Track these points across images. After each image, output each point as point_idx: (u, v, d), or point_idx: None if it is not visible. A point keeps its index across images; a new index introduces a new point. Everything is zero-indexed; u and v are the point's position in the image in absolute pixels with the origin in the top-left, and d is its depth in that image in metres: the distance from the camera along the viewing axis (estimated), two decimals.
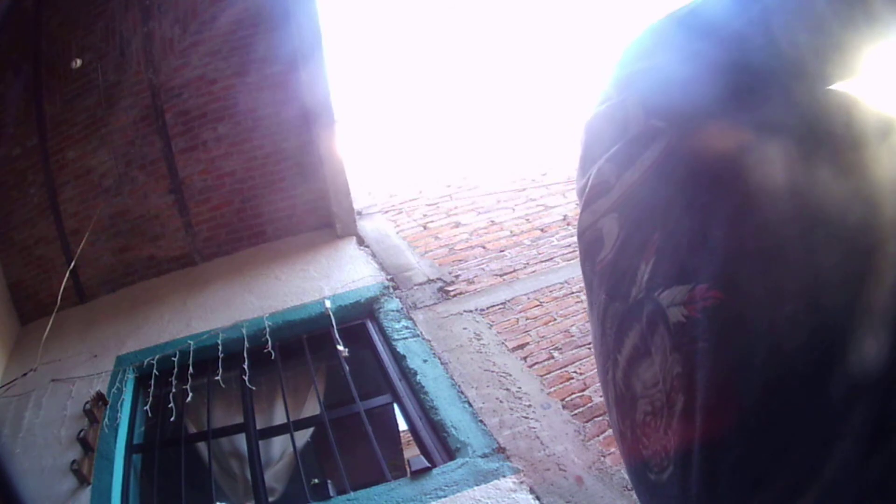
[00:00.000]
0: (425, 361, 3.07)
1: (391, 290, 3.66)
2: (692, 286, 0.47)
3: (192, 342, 3.42)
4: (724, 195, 0.48)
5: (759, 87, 0.49)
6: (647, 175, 0.55)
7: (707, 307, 0.45)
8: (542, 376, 2.93)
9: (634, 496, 0.55)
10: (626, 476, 0.56)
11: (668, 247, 0.51)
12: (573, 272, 3.60)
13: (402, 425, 3.58)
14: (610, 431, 2.36)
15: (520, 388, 2.86)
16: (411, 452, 3.21)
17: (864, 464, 0.35)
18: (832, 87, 0.48)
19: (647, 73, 0.60)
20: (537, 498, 2.32)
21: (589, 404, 2.76)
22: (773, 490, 0.38)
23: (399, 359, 3.16)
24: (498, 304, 3.45)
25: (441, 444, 2.65)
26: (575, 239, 0.69)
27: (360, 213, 4.44)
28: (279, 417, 3.30)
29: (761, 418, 0.40)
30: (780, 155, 0.46)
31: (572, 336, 3.17)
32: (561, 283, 3.56)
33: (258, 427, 3.11)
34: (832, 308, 0.39)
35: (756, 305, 0.43)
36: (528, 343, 3.15)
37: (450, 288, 3.62)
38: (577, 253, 0.66)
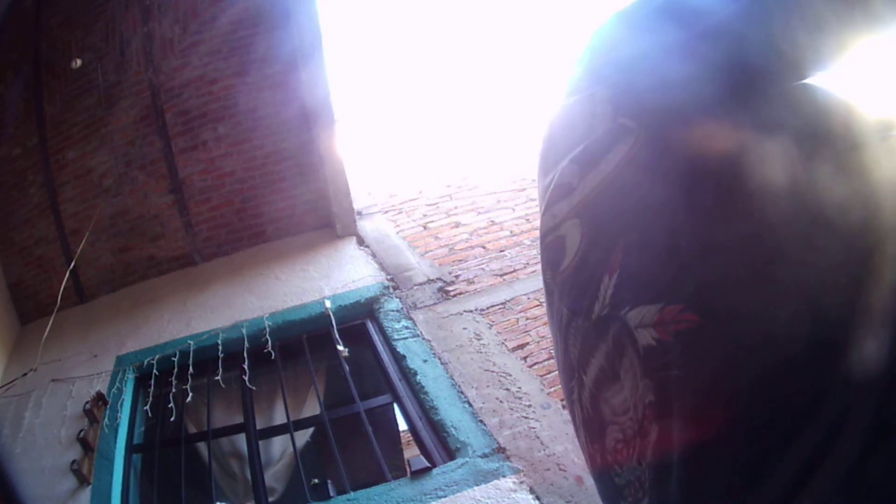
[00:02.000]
0: (425, 361, 3.07)
1: (391, 290, 3.66)
2: (661, 305, 0.43)
3: (192, 342, 3.42)
4: (703, 206, 0.44)
5: (758, 87, 0.48)
6: (611, 177, 0.50)
7: (680, 331, 0.42)
8: (542, 376, 2.93)
9: None
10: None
11: (635, 259, 0.47)
12: None
13: (402, 425, 3.57)
14: None
15: (520, 388, 2.86)
16: (411, 452, 3.21)
17: (864, 464, 0.35)
18: (831, 86, 0.48)
19: (619, 64, 0.55)
20: (537, 498, 2.32)
21: None
22: (771, 491, 0.37)
23: (399, 359, 3.16)
24: (498, 304, 3.45)
25: (441, 444, 2.65)
26: None
27: (360, 213, 4.44)
28: (279, 417, 3.30)
29: (751, 452, 0.38)
30: (778, 155, 0.45)
31: None
32: None
33: (258, 427, 3.11)
34: (832, 308, 0.39)
35: (740, 326, 0.40)
36: (528, 343, 3.15)
37: (450, 288, 3.62)
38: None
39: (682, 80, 0.48)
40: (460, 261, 3.88)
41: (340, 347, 3.23)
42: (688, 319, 0.41)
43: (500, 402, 2.78)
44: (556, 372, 2.98)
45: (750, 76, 0.48)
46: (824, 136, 0.46)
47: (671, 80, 0.49)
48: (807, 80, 0.47)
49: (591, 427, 0.51)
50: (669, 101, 0.49)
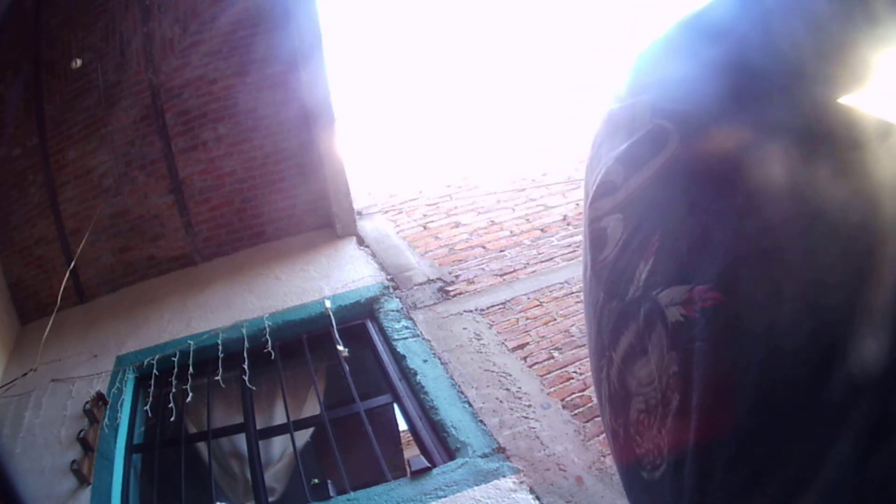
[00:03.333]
0: (425, 361, 3.07)
1: (391, 290, 3.66)
2: (691, 286, 0.47)
3: (192, 342, 3.42)
4: (728, 196, 0.49)
5: (761, 88, 0.49)
6: (652, 179, 0.56)
7: (706, 308, 0.45)
8: (542, 376, 2.93)
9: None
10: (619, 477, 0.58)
11: (669, 247, 0.52)
12: (573, 272, 3.60)
13: (402, 425, 3.58)
14: None
15: (520, 388, 2.86)
16: (411, 452, 3.21)
17: (863, 464, 0.35)
18: (833, 88, 0.48)
19: (659, 80, 0.62)
20: (537, 498, 2.32)
21: (589, 404, 2.76)
22: (771, 489, 0.38)
23: (399, 359, 3.16)
24: (498, 304, 3.45)
25: (441, 444, 2.65)
26: (575, 239, 0.70)
27: (360, 213, 4.44)
28: (279, 417, 3.30)
29: (759, 418, 0.40)
30: (781, 155, 0.46)
31: (572, 336, 3.17)
32: (561, 283, 3.56)
33: (258, 427, 3.11)
34: (832, 308, 0.39)
35: (755, 307, 0.43)
36: (528, 343, 3.15)
37: (450, 288, 3.62)
38: (580, 250, 0.68)
39: (702, 83, 0.54)
40: (460, 261, 3.88)
41: (340, 347, 3.23)
42: (713, 297, 0.45)
43: (500, 402, 2.79)
44: (557, 372, 3.01)
45: (753, 79, 0.50)
46: (828, 137, 0.46)
47: (695, 85, 0.55)
48: (811, 83, 0.48)
49: (616, 401, 0.55)
50: (696, 104, 0.55)
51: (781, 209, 0.44)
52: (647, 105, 0.60)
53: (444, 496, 2.37)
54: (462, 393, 2.85)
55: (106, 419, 3.02)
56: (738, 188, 0.48)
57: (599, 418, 2.68)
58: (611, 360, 0.56)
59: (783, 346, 0.39)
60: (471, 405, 2.78)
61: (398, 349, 3.20)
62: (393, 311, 3.50)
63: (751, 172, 0.48)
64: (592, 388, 2.82)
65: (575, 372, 2.95)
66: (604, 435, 2.58)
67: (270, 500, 3.13)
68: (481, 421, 2.69)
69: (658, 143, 0.57)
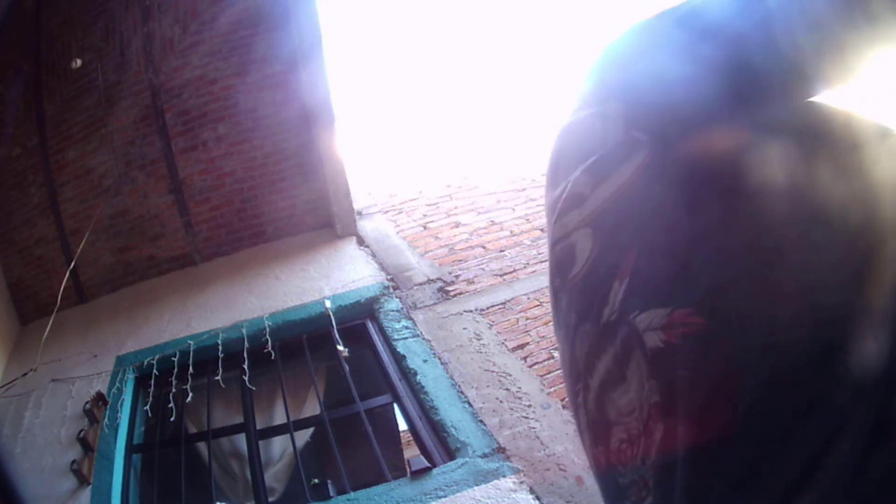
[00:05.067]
0: (425, 361, 3.07)
1: (391, 290, 3.66)
2: (671, 310, 0.44)
3: (192, 342, 3.42)
4: (709, 211, 0.45)
5: (760, 88, 0.48)
6: (623, 189, 0.52)
7: (688, 334, 0.43)
8: (542, 376, 2.93)
9: None
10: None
11: (645, 266, 0.48)
12: None
13: (402, 425, 3.58)
14: None
15: (520, 388, 2.86)
16: (411, 452, 3.21)
17: (863, 464, 0.35)
18: (832, 88, 0.48)
19: (632, 79, 0.56)
20: (537, 498, 2.32)
21: None
22: (769, 490, 0.37)
23: (399, 359, 3.16)
24: (498, 304, 3.45)
25: (441, 444, 2.65)
26: None
27: (360, 213, 4.44)
28: (279, 417, 3.30)
29: (753, 451, 0.38)
30: (779, 156, 0.45)
31: None
32: None
33: (258, 427, 3.11)
34: (832, 308, 0.39)
35: (744, 331, 0.41)
36: (528, 343, 3.15)
37: (450, 288, 3.62)
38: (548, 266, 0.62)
39: (696, 91, 0.49)
40: (460, 261, 3.88)
41: (340, 347, 3.23)
42: (695, 323, 0.42)
43: (500, 402, 2.79)
44: (557, 372, 3.00)
45: (752, 78, 0.48)
46: (825, 137, 0.46)
47: (684, 93, 0.50)
48: (811, 82, 0.47)
49: (595, 429, 0.52)
50: (681, 114, 0.50)
51: (780, 210, 0.44)
52: (619, 112, 0.55)
53: (444, 496, 2.37)
54: (462, 393, 2.85)
55: (106, 419, 3.02)
56: (722, 198, 0.45)
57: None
58: (587, 387, 0.52)
59: (783, 347, 0.39)
60: (471, 405, 2.78)
61: (398, 349, 3.20)
62: (393, 311, 3.50)
63: (737, 180, 0.45)
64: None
65: None
66: None
67: (270, 500, 3.13)
68: (481, 421, 2.69)
69: (629, 152, 0.52)
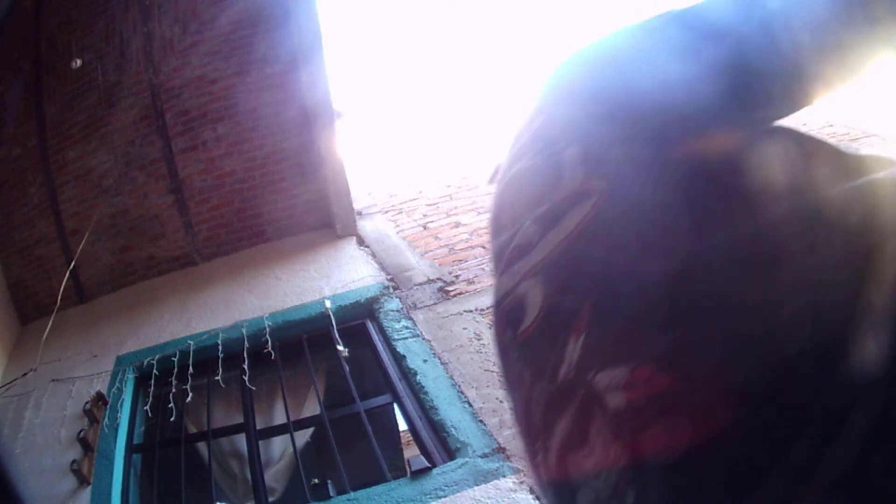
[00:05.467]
0: (425, 361, 3.07)
1: (391, 290, 3.66)
2: (632, 367, 0.41)
3: (192, 342, 3.42)
4: (670, 253, 0.42)
5: (760, 88, 0.48)
6: (575, 234, 0.48)
7: (653, 395, 0.39)
8: None
9: None
10: None
11: (602, 319, 0.44)
12: None
13: (402, 425, 3.58)
14: None
15: None
16: (411, 452, 3.21)
17: (864, 464, 0.35)
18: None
19: (593, 116, 0.51)
20: (537, 498, 2.31)
21: None
22: (768, 491, 0.37)
23: (399, 359, 3.16)
24: None
25: (441, 444, 2.65)
26: None
27: (360, 213, 4.44)
28: (279, 417, 3.30)
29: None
30: (780, 156, 0.45)
31: None
32: None
33: (258, 427, 3.11)
34: (832, 309, 0.39)
35: (713, 383, 0.38)
36: None
37: (450, 288, 3.62)
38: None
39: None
40: (460, 261, 3.88)
41: (340, 347, 3.23)
42: (660, 381, 0.39)
43: (500, 402, 2.78)
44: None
45: (752, 79, 0.47)
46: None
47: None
48: (811, 83, 0.47)
49: (559, 491, 0.48)
50: (639, 153, 0.46)
51: (781, 209, 0.44)
52: (578, 157, 0.50)
53: (444, 496, 2.37)
54: (462, 393, 2.85)
55: (106, 419, 3.02)
56: (687, 238, 0.42)
57: None
58: (546, 448, 0.48)
59: (782, 348, 0.39)
60: (471, 405, 2.78)
61: (398, 349, 3.20)
62: (393, 311, 3.50)
63: (711, 217, 0.41)
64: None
65: None
66: None
67: (270, 500, 3.13)
68: (481, 421, 2.69)
69: (584, 197, 0.48)
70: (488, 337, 3.22)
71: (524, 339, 0.51)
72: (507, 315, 0.55)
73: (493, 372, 2.97)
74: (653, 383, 0.39)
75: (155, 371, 3.26)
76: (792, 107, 0.49)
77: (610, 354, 0.43)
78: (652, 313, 0.41)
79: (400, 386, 3.02)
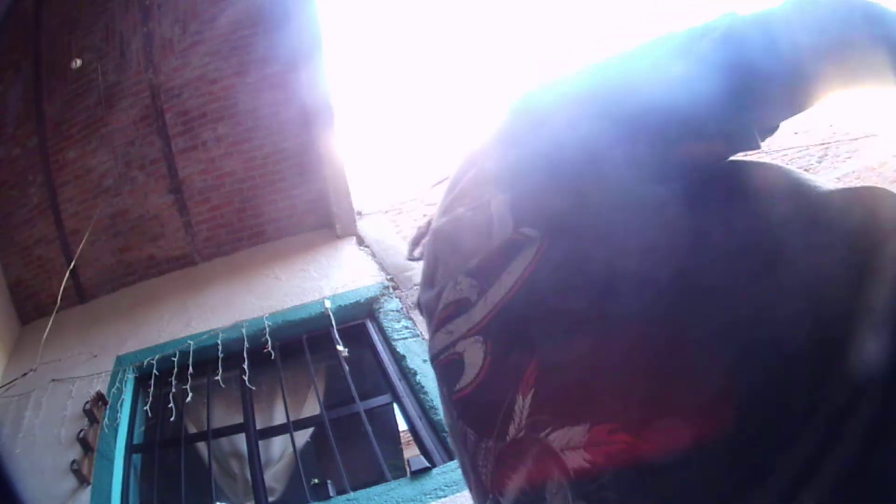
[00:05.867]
0: (425, 361, 3.07)
1: (391, 290, 3.66)
2: (588, 426, 0.39)
3: (191, 342, 3.42)
4: (619, 304, 0.40)
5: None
6: (515, 290, 0.46)
7: (612, 453, 0.38)
8: None
9: None
10: None
11: (551, 377, 0.43)
12: None
13: (402, 425, 3.58)
14: None
15: None
16: (411, 452, 3.21)
17: (864, 464, 0.35)
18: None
19: (519, 165, 0.50)
20: None
21: None
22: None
23: (399, 359, 3.16)
24: None
25: (441, 444, 2.66)
26: None
27: (360, 213, 4.44)
28: (279, 417, 3.30)
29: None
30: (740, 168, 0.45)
31: None
32: None
33: (258, 427, 3.11)
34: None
35: (684, 457, 0.36)
36: None
37: None
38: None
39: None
40: None
41: (340, 347, 3.23)
42: (620, 440, 0.38)
43: None
44: None
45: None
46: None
47: (588, 173, 0.45)
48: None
49: None
50: (582, 202, 0.45)
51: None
52: (506, 208, 0.49)
53: (444, 496, 2.37)
54: None
55: (106, 419, 3.02)
56: (633, 293, 0.40)
57: None
58: None
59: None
60: None
61: (398, 349, 3.20)
62: (393, 310, 3.50)
63: (661, 261, 0.40)
64: None
65: None
66: None
67: (270, 500, 3.12)
68: None
69: (518, 249, 0.47)
70: None
71: (460, 398, 0.50)
72: (442, 370, 0.53)
73: None
74: (611, 442, 0.38)
75: (155, 371, 3.26)
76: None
77: (564, 413, 0.41)
78: (602, 370, 0.40)
79: (400, 386, 3.02)
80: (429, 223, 0.60)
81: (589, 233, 0.44)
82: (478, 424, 0.48)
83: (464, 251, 0.52)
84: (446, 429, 0.56)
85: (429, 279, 0.57)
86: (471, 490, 0.52)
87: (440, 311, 0.53)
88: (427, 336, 0.57)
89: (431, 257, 0.57)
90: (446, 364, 0.52)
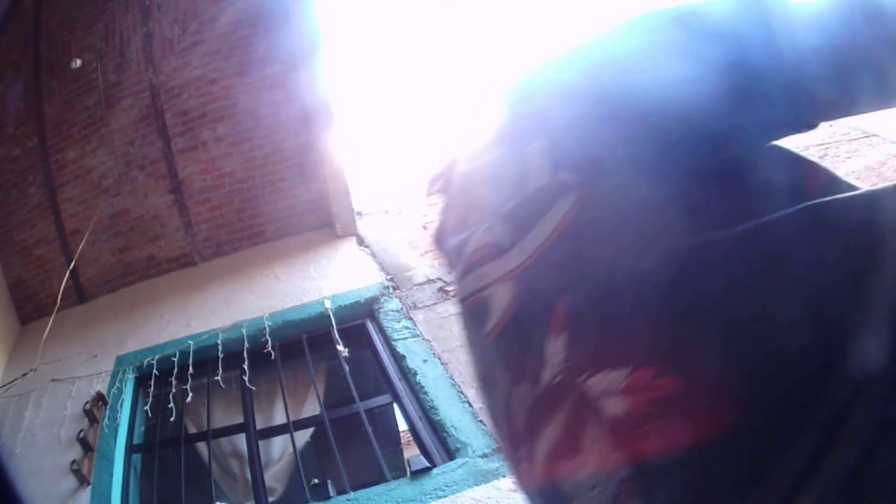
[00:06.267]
0: (425, 361, 3.07)
1: (391, 290, 3.66)
2: (629, 371, 0.38)
3: (191, 342, 3.41)
4: (658, 252, 0.40)
5: (760, 88, 0.48)
6: (553, 238, 0.46)
7: (658, 399, 0.37)
8: None
9: None
10: None
11: (585, 318, 0.42)
12: None
13: (402, 425, 3.58)
14: None
15: None
16: (411, 452, 3.21)
17: (865, 463, 0.35)
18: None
19: (557, 115, 0.49)
20: None
21: None
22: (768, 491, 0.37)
23: (399, 359, 3.16)
24: None
25: (441, 444, 2.65)
26: None
27: (360, 213, 4.44)
28: (279, 417, 3.30)
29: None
30: (784, 156, 0.45)
31: None
32: None
33: (258, 427, 3.11)
34: (833, 309, 0.39)
35: (717, 383, 0.36)
36: None
37: (450, 288, 3.62)
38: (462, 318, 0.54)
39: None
40: None
41: (340, 347, 3.23)
42: (665, 386, 0.37)
43: None
44: None
45: (752, 78, 0.47)
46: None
47: (626, 122, 0.44)
48: (811, 83, 0.47)
49: (550, 500, 0.45)
50: (617, 150, 0.44)
51: (780, 209, 0.44)
52: (543, 154, 0.49)
53: (444, 496, 2.37)
54: (462, 393, 2.85)
55: (106, 419, 3.02)
56: (688, 237, 0.40)
57: None
58: (532, 453, 0.45)
59: (783, 348, 0.39)
60: (471, 405, 2.78)
61: (398, 349, 3.20)
62: (393, 311, 3.50)
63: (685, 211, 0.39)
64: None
65: None
66: None
67: (270, 500, 3.12)
68: (481, 421, 2.68)
69: (556, 196, 0.46)
70: None
71: (491, 340, 0.49)
72: (469, 313, 0.53)
73: None
74: (655, 387, 0.37)
75: (155, 371, 3.26)
76: (793, 109, 0.49)
77: (602, 357, 0.40)
78: (648, 312, 0.39)
79: (400, 386, 3.02)
80: (453, 161, 0.60)
81: (628, 179, 0.43)
82: (508, 368, 0.47)
83: (498, 196, 0.51)
84: (473, 374, 0.55)
85: (458, 222, 0.56)
86: (503, 442, 0.51)
87: (471, 255, 0.52)
88: (454, 278, 0.56)
89: (462, 200, 0.56)
90: (474, 308, 0.51)
